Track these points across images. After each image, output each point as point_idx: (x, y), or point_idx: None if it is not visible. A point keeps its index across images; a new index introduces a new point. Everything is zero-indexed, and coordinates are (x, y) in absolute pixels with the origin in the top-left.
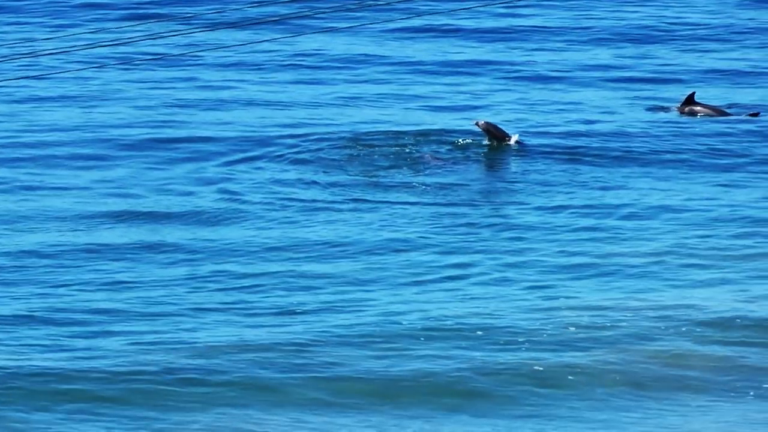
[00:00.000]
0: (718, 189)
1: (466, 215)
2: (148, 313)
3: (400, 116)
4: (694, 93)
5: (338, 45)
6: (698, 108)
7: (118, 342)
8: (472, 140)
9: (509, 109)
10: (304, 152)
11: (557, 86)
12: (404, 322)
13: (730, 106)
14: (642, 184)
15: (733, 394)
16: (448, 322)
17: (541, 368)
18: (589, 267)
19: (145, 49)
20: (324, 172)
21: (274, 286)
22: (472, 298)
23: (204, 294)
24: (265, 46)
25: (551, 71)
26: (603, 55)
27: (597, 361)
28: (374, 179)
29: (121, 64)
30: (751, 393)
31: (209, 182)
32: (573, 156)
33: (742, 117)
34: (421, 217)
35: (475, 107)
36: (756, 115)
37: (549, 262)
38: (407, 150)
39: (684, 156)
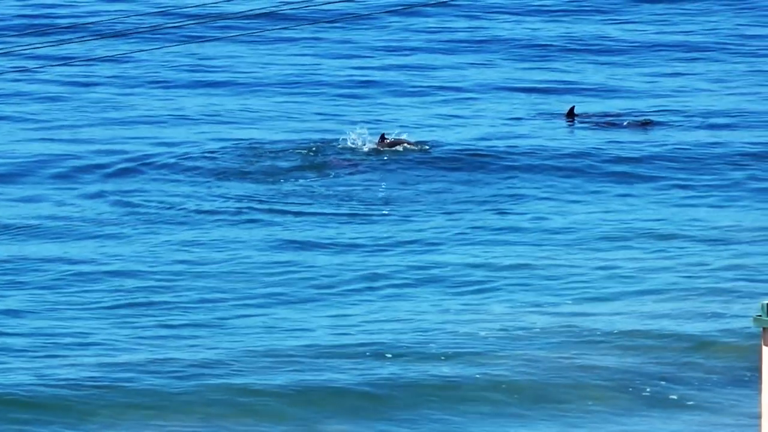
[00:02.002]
0: (615, 200)
1: (371, 226)
2: (47, 327)
3: (302, 125)
4: (574, 106)
5: (235, 56)
6: (587, 120)
7: (18, 357)
8: (378, 148)
9: (413, 120)
10: (203, 162)
11: (457, 96)
12: (311, 336)
13: (620, 114)
14: (542, 194)
15: (636, 401)
16: (355, 335)
17: (449, 379)
18: (493, 278)
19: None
20: (223, 182)
21: (178, 301)
22: (379, 310)
23: (106, 310)
24: (159, 57)
25: (450, 82)
26: (501, 66)
27: (505, 372)
28: (277, 187)
29: (13, 71)
30: (650, 397)
31: (104, 196)
32: (474, 165)
33: (633, 125)
34: (326, 227)
35: (379, 117)
36: (647, 123)
37: (454, 273)
38: (311, 155)
39: (581, 165)
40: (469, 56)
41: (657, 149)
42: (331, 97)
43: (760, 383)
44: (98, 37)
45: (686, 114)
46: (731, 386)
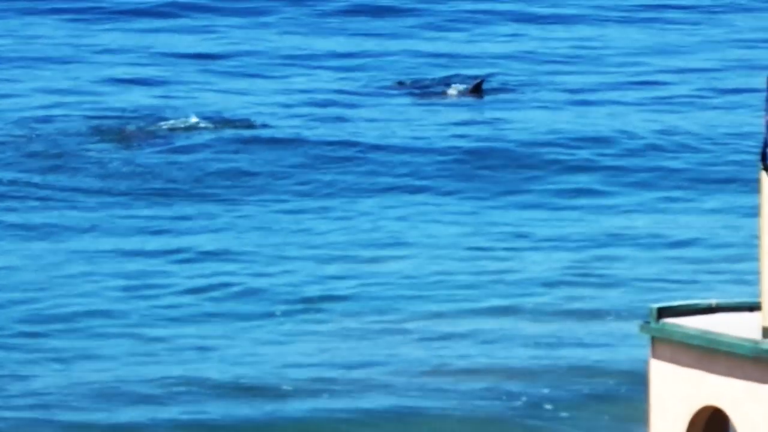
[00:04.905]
0: (460, 192)
1: (175, 210)
2: None
3: (98, 98)
4: (401, 81)
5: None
6: (414, 89)
7: None
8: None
9: (216, 96)
10: None
11: (264, 69)
12: (110, 367)
13: (449, 82)
14: (379, 185)
15: (509, 423)
16: (166, 364)
17: (296, 415)
18: (333, 287)
19: None
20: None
21: None
22: (190, 333)
23: None
24: None
25: (250, 54)
26: (311, 34)
27: (360, 402)
28: (64, 164)
29: None
30: (526, 417)
31: None
32: (293, 145)
33: (464, 92)
34: (123, 209)
35: (181, 93)
36: (479, 86)
37: (281, 282)
38: (105, 131)
39: (415, 148)
40: (273, 26)
41: (505, 126)
42: (124, 66)
43: (648, 401)
44: None
45: (528, 83)
46: (613, 403)
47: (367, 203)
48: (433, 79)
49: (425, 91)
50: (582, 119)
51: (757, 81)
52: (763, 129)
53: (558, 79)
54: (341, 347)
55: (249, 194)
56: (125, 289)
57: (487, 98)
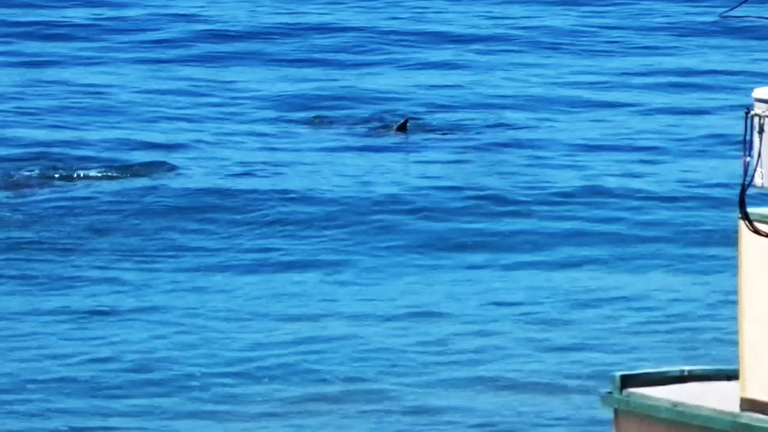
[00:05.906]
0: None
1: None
2: None
3: None
4: (317, 118)
5: None
6: (334, 127)
7: None
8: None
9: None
10: None
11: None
12: None
13: (372, 119)
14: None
15: None
16: None
17: None
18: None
19: None
20: None
21: None
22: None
23: None
24: None
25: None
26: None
27: None
28: None
29: None
30: None
31: None
32: (200, 198)
33: (392, 132)
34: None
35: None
36: (404, 125)
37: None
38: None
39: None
40: (172, 55)
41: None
42: (10, 101)
43: None
44: None
45: (465, 120)
46: None
47: (297, 258)
48: (362, 118)
49: (345, 130)
50: (535, 162)
51: (732, 122)
52: (740, 173)
53: (504, 115)
54: (269, 427)
55: (158, 249)
56: (14, 359)
57: (415, 138)
